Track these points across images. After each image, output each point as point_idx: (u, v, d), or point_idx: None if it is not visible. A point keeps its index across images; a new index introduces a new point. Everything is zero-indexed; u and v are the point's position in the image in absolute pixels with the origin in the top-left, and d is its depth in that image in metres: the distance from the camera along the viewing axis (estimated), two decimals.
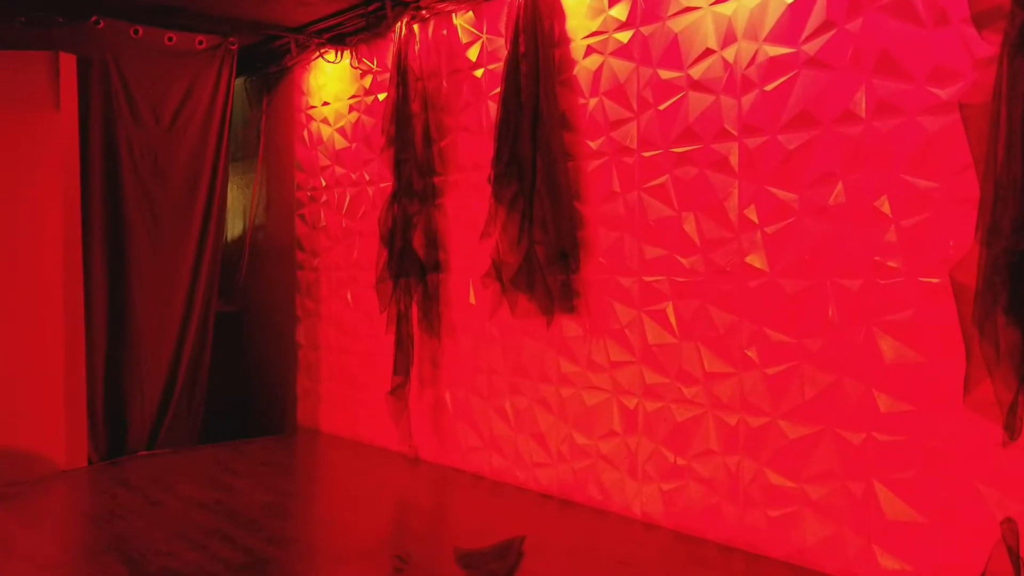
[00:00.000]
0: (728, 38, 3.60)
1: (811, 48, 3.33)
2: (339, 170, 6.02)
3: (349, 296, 5.95)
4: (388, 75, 5.34)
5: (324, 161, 6.15)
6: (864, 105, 3.18)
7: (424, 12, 5.13)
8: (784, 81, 3.42)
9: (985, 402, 2.74)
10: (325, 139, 6.13)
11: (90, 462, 5.39)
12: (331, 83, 6.06)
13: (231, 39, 5.95)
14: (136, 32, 5.59)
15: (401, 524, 4.46)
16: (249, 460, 5.59)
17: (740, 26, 3.56)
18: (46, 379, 5.19)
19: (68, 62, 5.24)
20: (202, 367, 5.92)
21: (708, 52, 3.68)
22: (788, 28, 3.40)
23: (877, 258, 3.16)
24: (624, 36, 4.02)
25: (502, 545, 3.67)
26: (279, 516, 4.46)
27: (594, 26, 4.16)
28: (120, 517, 4.28)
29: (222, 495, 4.81)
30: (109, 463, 5.46)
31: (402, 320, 5.15)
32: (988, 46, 2.79)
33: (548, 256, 4.23)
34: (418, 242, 5.08)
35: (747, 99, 3.54)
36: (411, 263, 5.09)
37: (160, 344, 5.71)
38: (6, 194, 5.16)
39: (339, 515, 4.56)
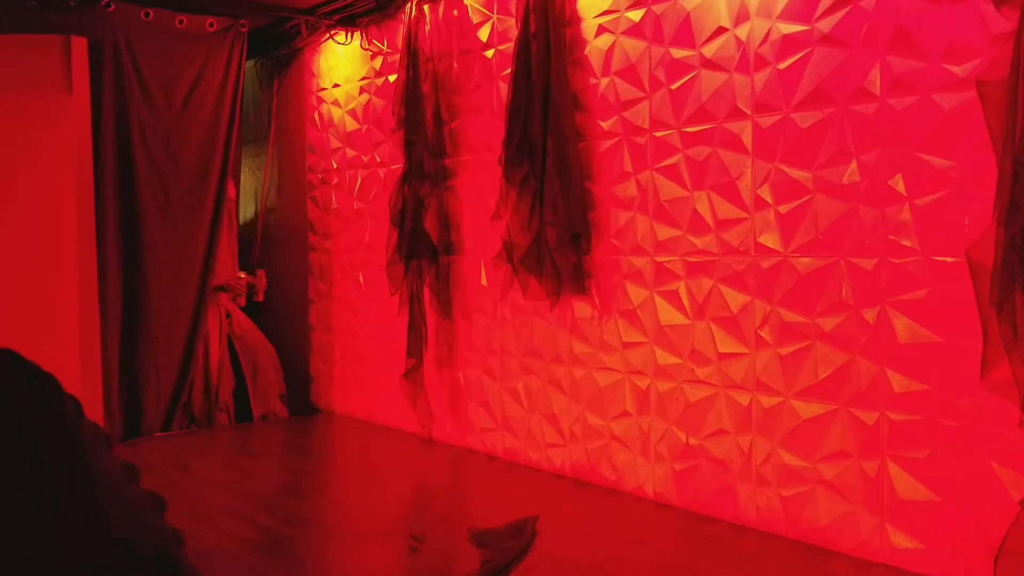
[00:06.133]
0: (741, 16, 3.57)
1: (825, 25, 3.30)
2: (350, 152, 6.01)
3: (361, 278, 5.96)
4: (398, 56, 5.32)
5: (335, 143, 6.15)
6: (879, 83, 3.15)
7: None
8: (798, 59, 3.39)
9: (1003, 382, 2.73)
10: (336, 121, 6.13)
11: None
12: (341, 65, 6.04)
13: (241, 21, 5.94)
14: (147, 15, 5.58)
15: (415, 504, 4.49)
16: (263, 441, 5.63)
17: (753, 4, 3.53)
18: (61, 362, 5.22)
19: (80, 45, 5.24)
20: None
21: (721, 30, 3.65)
22: (802, 5, 3.37)
23: (892, 237, 3.14)
24: (636, 15, 4.00)
25: (516, 524, 3.69)
26: (294, 496, 4.49)
27: (605, 5, 4.13)
28: None
29: (237, 475, 4.85)
30: (125, 444, 5.50)
31: (414, 302, 5.16)
32: (1006, 22, 2.76)
33: (559, 237, 4.23)
34: (430, 224, 5.07)
35: (760, 77, 3.52)
36: (422, 245, 5.09)
37: (175, 325, 5.74)
38: (20, 178, 5.18)
39: (354, 495, 4.59)
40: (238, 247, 6.37)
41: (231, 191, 6.19)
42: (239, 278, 6.22)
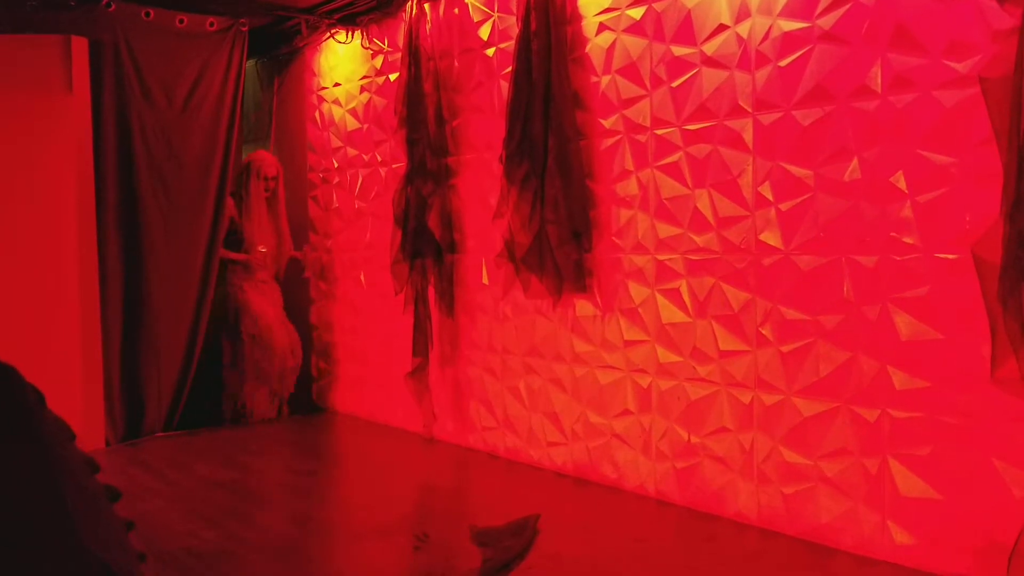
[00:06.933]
0: (742, 13, 3.57)
1: (826, 22, 3.29)
2: (351, 151, 6.01)
3: (362, 277, 5.96)
4: (399, 55, 5.32)
5: (336, 142, 6.15)
6: (880, 80, 3.15)
7: None
8: (798, 56, 3.38)
9: (1011, 379, 2.73)
10: (337, 120, 6.13)
11: (107, 443, 5.44)
12: (342, 64, 6.04)
13: (242, 21, 5.94)
14: (147, 14, 5.59)
15: (417, 503, 4.49)
16: (265, 440, 5.64)
17: (754, 1, 3.53)
18: (63, 361, 5.24)
19: (80, 45, 5.24)
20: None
21: (722, 28, 3.65)
22: (802, 2, 3.36)
23: (893, 234, 3.14)
24: (637, 13, 3.99)
25: (518, 523, 3.69)
26: (296, 495, 4.49)
27: (606, 3, 4.13)
28: (138, 497, 4.33)
29: (239, 475, 4.85)
30: (127, 444, 5.51)
31: (419, 301, 5.16)
32: (1008, 18, 2.76)
33: (560, 236, 4.22)
34: (433, 223, 5.07)
35: (761, 75, 3.51)
36: (426, 244, 5.09)
37: (176, 324, 5.74)
38: (21, 178, 5.18)
39: (356, 494, 4.59)
40: (286, 223, 6.22)
41: (270, 169, 6.07)
42: (260, 251, 6.06)
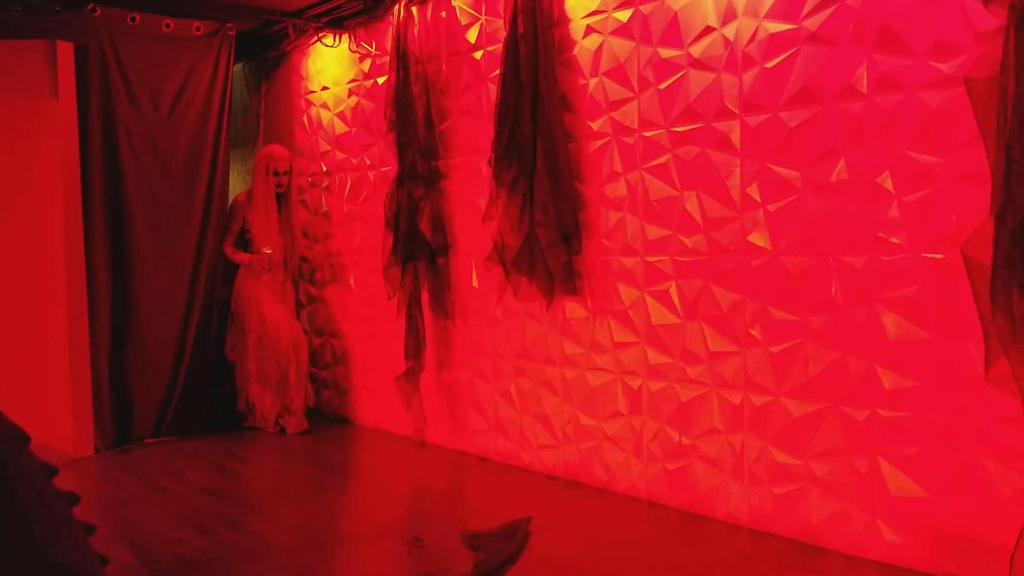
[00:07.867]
0: (728, 15, 3.58)
1: (812, 24, 3.31)
2: (339, 155, 6.00)
3: (352, 281, 5.95)
4: (387, 58, 5.31)
5: (324, 146, 6.14)
6: (866, 81, 3.17)
7: None
8: (785, 58, 3.40)
9: (1005, 378, 2.74)
10: (325, 124, 6.11)
11: (96, 450, 5.41)
12: (330, 67, 6.03)
13: (229, 25, 5.92)
14: (133, 19, 5.56)
15: (409, 507, 4.47)
16: (255, 446, 5.61)
17: (740, 3, 3.54)
18: (51, 369, 5.20)
19: (65, 50, 5.21)
20: (207, 354, 5.93)
21: (708, 30, 3.66)
22: (788, 4, 3.38)
23: (880, 234, 3.15)
24: (624, 15, 4.00)
25: (509, 526, 3.68)
26: (287, 501, 4.47)
27: (593, 5, 4.14)
28: (127, 504, 4.31)
29: (229, 481, 4.84)
30: (116, 451, 5.48)
31: (413, 305, 5.14)
32: (993, 18, 2.78)
33: (549, 238, 4.23)
34: (425, 226, 5.05)
35: (748, 76, 3.53)
36: (419, 247, 5.07)
37: (165, 331, 5.72)
38: (6, 184, 5.15)
39: (347, 499, 4.58)
40: (297, 220, 6.05)
41: (281, 164, 5.86)
42: (265, 252, 5.85)
